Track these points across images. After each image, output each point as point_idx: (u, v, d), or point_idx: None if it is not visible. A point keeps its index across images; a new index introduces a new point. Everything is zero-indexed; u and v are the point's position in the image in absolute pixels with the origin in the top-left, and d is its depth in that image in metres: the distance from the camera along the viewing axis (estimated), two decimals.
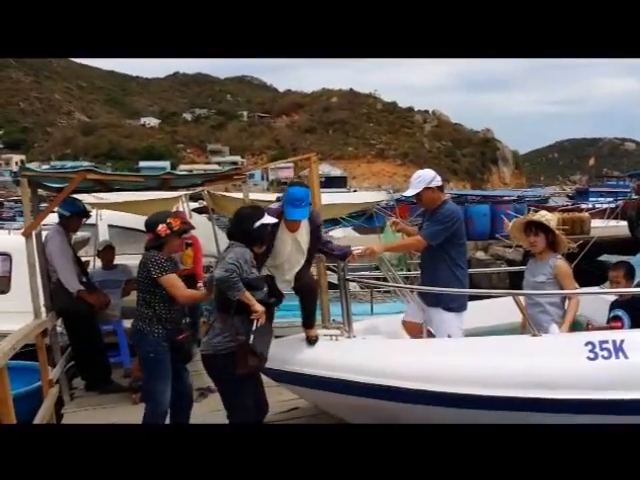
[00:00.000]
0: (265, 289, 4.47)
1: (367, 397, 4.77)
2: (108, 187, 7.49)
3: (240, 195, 11.75)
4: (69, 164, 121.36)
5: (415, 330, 5.64)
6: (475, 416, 4.50)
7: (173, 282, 4.90)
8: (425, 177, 5.42)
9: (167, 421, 4.98)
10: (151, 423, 4.87)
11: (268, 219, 4.60)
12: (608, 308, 5.49)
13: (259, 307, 4.36)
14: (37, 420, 5.13)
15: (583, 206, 26.23)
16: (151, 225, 5.04)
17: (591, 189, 41.17)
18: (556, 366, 4.48)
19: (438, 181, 5.45)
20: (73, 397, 6.94)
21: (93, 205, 10.44)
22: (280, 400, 6.09)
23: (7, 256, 8.50)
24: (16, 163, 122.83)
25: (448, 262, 5.34)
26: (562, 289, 5.31)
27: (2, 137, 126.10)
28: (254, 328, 4.30)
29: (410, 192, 5.45)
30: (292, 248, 4.95)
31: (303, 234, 4.98)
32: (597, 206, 24.37)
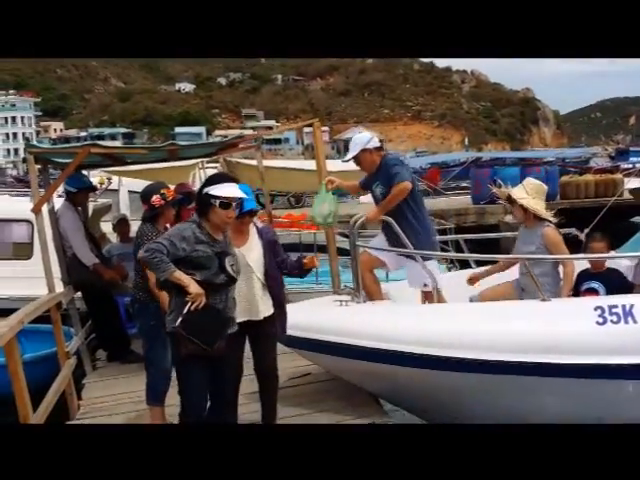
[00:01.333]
0: (216, 268, 3.94)
1: (375, 362, 4.75)
2: (119, 160, 7.49)
3: (272, 162, 11.71)
4: (107, 131, 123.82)
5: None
6: (485, 380, 4.48)
7: None
8: (362, 139, 5.46)
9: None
10: (156, 388, 4.92)
11: (221, 190, 3.93)
12: (577, 279, 5.33)
13: (194, 288, 3.81)
14: (52, 390, 5.20)
15: (624, 166, 25.51)
16: (145, 196, 5.10)
17: (632, 149, 39.96)
18: (565, 331, 4.43)
19: (375, 142, 5.48)
20: (95, 368, 7.05)
21: (114, 173, 10.54)
22: (294, 366, 6.09)
23: (29, 223, 8.61)
24: (54, 130, 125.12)
25: (409, 215, 5.34)
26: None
27: (40, 104, 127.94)
28: (185, 311, 3.82)
29: (348, 156, 5.52)
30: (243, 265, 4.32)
31: (252, 248, 4.51)
32: (637, 166, 23.67)
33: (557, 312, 4.62)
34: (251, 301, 4.42)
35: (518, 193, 5.30)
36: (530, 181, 5.53)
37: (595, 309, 4.39)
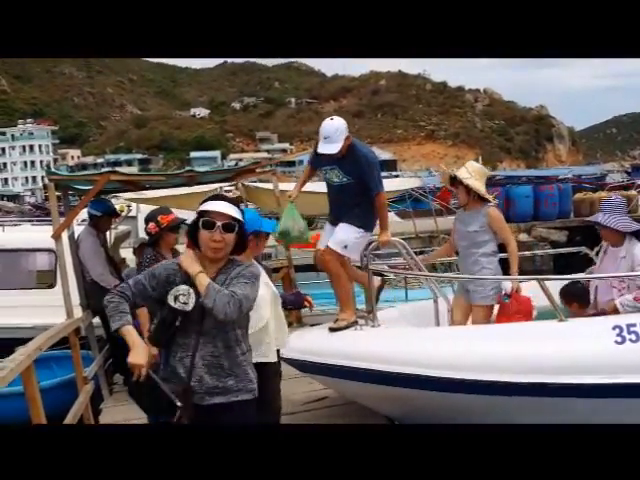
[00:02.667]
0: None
1: (390, 385, 4.71)
2: (138, 186, 7.63)
3: (288, 185, 11.74)
4: (123, 157, 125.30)
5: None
6: (502, 403, 4.45)
7: None
8: (342, 127, 5.07)
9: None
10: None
11: (204, 206, 3.18)
12: None
13: (132, 357, 3.02)
14: (70, 416, 5.24)
15: None
16: (145, 223, 5.28)
17: None
18: (584, 351, 4.39)
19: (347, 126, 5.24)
20: (112, 392, 7.10)
21: (133, 200, 10.71)
22: (309, 390, 6.09)
23: (51, 252, 8.74)
24: (72, 157, 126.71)
25: (365, 197, 5.21)
26: (496, 235, 5.27)
27: (57, 132, 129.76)
28: (133, 379, 3.09)
29: (336, 147, 5.05)
30: (273, 299, 4.16)
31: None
32: None
33: (575, 332, 4.59)
34: (282, 327, 4.27)
35: (462, 174, 5.32)
36: (472, 164, 5.59)
37: (613, 328, 4.37)
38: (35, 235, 9.82)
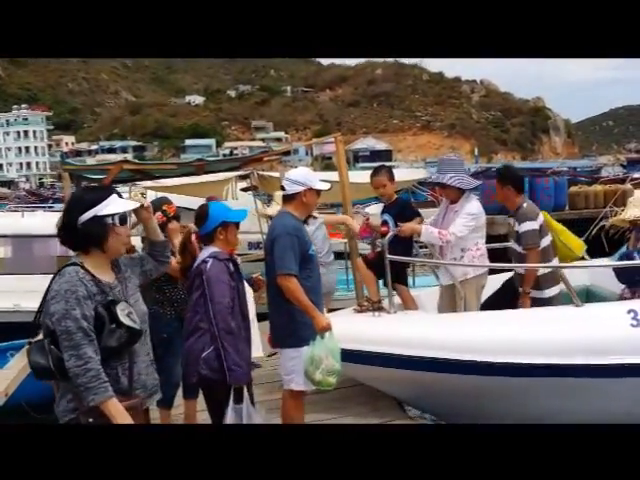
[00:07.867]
0: (107, 325, 2.76)
1: (406, 369, 4.87)
2: (149, 175, 7.74)
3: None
4: (118, 144, 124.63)
5: None
6: (522, 384, 4.66)
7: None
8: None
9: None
10: (164, 393, 5.07)
11: (113, 205, 2.88)
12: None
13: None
14: None
15: (637, 176, 25.33)
16: None
17: None
18: (601, 334, 4.67)
19: None
20: None
21: (150, 188, 10.81)
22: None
23: None
24: (66, 144, 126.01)
25: None
26: None
27: (52, 118, 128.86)
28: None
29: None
30: None
31: None
32: None
33: (592, 316, 4.89)
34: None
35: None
36: None
37: (628, 312, 4.68)
38: (50, 220, 9.97)
